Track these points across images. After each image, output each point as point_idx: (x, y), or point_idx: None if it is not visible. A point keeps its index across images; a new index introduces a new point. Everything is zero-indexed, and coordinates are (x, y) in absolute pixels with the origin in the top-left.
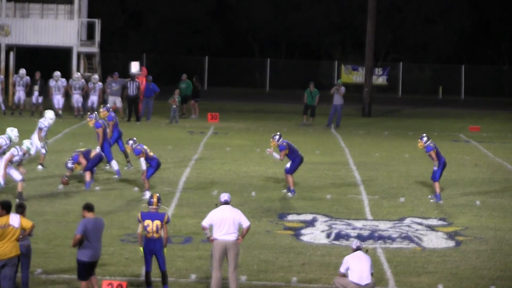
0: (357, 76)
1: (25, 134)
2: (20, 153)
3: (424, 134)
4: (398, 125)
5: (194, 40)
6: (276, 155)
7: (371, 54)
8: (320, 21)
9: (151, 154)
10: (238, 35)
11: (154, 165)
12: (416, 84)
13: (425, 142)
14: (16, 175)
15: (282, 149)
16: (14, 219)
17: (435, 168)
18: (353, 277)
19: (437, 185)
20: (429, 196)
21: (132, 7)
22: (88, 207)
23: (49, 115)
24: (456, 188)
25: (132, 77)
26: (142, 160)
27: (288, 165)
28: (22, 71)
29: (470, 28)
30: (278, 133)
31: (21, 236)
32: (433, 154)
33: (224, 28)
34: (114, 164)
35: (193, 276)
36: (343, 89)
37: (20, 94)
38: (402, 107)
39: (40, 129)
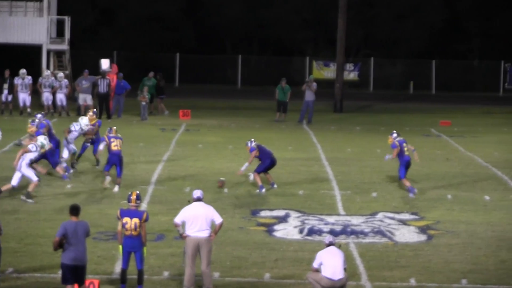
0: (328, 72)
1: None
2: (38, 149)
3: (395, 131)
4: (369, 120)
5: (166, 37)
6: (246, 164)
7: (343, 50)
8: (292, 18)
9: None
10: (209, 32)
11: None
12: (388, 80)
13: (394, 139)
14: (31, 174)
15: (251, 151)
16: None
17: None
18: (326, 272)
19: (404, 181)
20: (410, 195)
21: (103, 4)
22: (71, 210)
23: (84, 121)
24: (427, 182)
25: (103, 75)
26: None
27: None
28: None
29: (441, 24)
30: (252, 138)
31: None
32: (396, 151)
33: (195, 25)
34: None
35: (166, 273)
36: (314, 85)
37: None
38: (373, 102)
39: (70, 131)
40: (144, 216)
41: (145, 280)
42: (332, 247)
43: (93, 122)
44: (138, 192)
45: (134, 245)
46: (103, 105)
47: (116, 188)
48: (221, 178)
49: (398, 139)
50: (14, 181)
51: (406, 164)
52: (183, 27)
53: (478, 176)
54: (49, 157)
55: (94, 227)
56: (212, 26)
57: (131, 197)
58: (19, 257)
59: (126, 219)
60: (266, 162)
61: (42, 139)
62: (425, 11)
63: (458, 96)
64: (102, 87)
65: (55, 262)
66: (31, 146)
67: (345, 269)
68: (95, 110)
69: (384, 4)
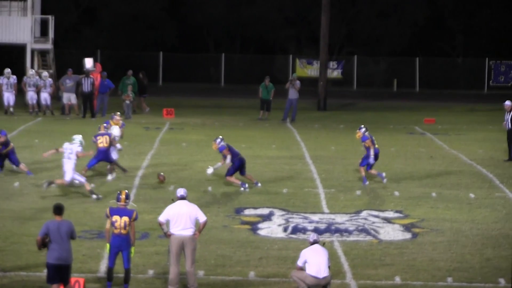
0: (312, 70)
1: None
2: (71, 147)
3: (363, 126)
4: (353, 118)
5: (149, 36)
6: (218, 164)
7: (326, 48)
8: (275, 16)
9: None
10: (192, 30)
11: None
12: (371, 77)
13: (364, 133)
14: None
15: (222, 149)
16: None
17: (370, 159)
18: (311, 270)
19: (362, 169)
20: (364, 183)
21: (86, 3)
22: (55, 209)
23: (115, 131)
24: (412, 180)
25: (86, 74)
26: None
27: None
28: None
29: (424, 21)
30: (220, 136)
31: None
32: (368, 142)
33: (178, 24)
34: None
35: (151, 272)
36: (298, 83)
37: None
38: (357, 100)
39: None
40: (134, 215)
41: (131, 278)
42: (316, 245)
43: (119, 124)
44: (127, 191)
45: (122, 244)
46: (87, 104)
47: (109, 177)
48: (161, 173)
49: (366, 134)
50: (67, 176)
51: (375, 157)
52: (165, 25)
53: (462, 174)
54: (11, 155)
55: (79, 226)
56: (194, 24)
57: (121, 196)
58: (4, 255)
59: (115, 217)
60: (235, 164)
61: (80, 138)
62: (407, 8)
63: (442, 93)
64: (86, 86)
65: (40, 261)
66: (65, 144)
67: (329, 267)
68: (118, 113)
69: (367, 2)
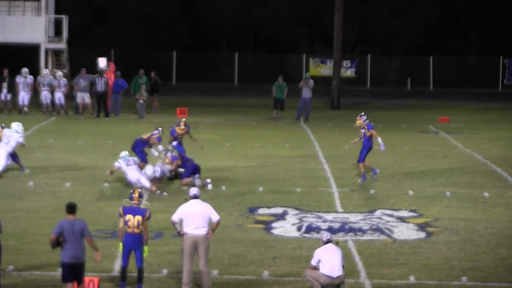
0: (325, 69)
1: None
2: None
3: (363, 113)
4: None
5: (161, 35)
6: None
7: (339, 46)
8: (287, 15)
9: None
10: (205, 30)
11: None
12: (384, 76)
13: (365, 121)
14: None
15: (173, 159)
16: None
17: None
18: (325, 269)
19: (361, 165)
20: (359, 180)
21: (99, 3)
22: (68, 208)
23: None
24: (426, 179)
25: (100, 73)
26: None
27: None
28: None
29: (437, 20)
30: (169, 147)
31: None
32: (375, 132)
33: (191, 23)
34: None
35: (165, 271)
36: (311, 82)
37: None
38: (370, 99)
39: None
40: (147, 214)
41: (144, 278)
42: (330, 245)
43: (185, 130)
44: (140, 190)
45: (134, 243)
46: (101, 104)
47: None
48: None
49: (367, 122)
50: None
51: (370, 148)
52: (178, 25)
53: (477, 172)
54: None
55: (93, 225)
56: (207, 24)
57: (134, 195)
58: (18, 255)
59: (128, 216)
60: (189, 168)
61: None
62: (420, 7)
63: (456, 92)
64: (100, 86)
65: (54, 260)
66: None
67: (343, 267)
68: (184, 119)
69: (380, 0)
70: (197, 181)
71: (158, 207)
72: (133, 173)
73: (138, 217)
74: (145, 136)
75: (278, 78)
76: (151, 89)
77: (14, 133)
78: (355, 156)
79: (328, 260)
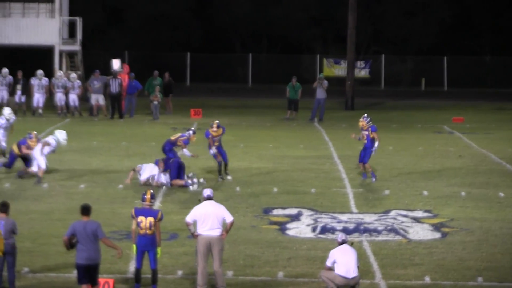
0: (339, 70)
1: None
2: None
3: (366, 115)
4: (381, 117)
5: (175, 36)
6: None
7: (353, 47)
8: (301, 15)
9: None
10: (218, 30)
11: None
12: (399, 76)
13: (368, 122)
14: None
15: (156, 163)
16: None
17: (374, 151)
18: (340, 270)
19: (362, 166)
20: (373, 179)
21: (112, 4)
22: (82, 210)
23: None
24: (440, 179)
25: (114, 75)
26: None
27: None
28: (5, 70)
29: (450, 19)
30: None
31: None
32: (377, 135)
33: (204, 24)
34: None
35: (180, 272)
36: (326, 82)
37: (3, 93)
38: (385, 99)
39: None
40: (159, 215)
41: (159, 279)
42: (345, 245)
43: (219, 132)
44: (152, 191)
45: (147, 244)
46: (115, 105)
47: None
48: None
49: (370, 124)
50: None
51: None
52: (191, 26)
53: (491, 172)
54: None
55: (108, 227)
56: (220, 24)
57: (146, 196)
58: (33, 257)
59: (141, 218)
60: (173, 167)
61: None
62: (434, 6)
63: (470, 92)
64: (114, 87)
65: (69, 262)
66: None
67: (358, 267)
68: (217, 121)
69: (393, 0)
70: (194, 187)
71: (172, 209)
72: (148, 170)
73: (150, 219)
74: (173, 137)
75: (291, 79)
76: (165, 90)
77: (55, 139)
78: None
79: (343, 261)
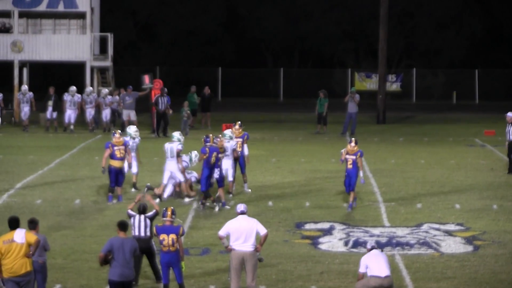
0: (371, 83)
1: (29, 149)
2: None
3: (354, 139)
4: (413, 131)
5: (206, 52)
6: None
7: (384, 60)
8: (332, 29)
9: None
10: (250, 45)
11: None
12: (430, 90)
13: (353, 147)
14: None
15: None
16: (19, 235)
17: (362, 181)
18: (373, 271)
19: (354, 193)
20: (349, 209)
21: (144, 20)
22: (120, 226)
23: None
24: (472, 192)
25: (162, 92)
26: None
27: None
28: (24, 87)
29: (482, 32)
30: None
31: (30, 252)
32: (361, 161)
33: (236, 39)
34: None
35: (212, 287)
36: (357, 96)
37: (25, 110)
38: (416, 113)
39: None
40: (181, 231)
41: None
42: (374, 251)
43: (240, 131)
44: (173, 207)
45: (172, 260)
46: (161, 122)
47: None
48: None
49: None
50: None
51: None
52: (223, 41)
53: None
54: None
55: None
56: (252, 39)
57: (167, 212)
58: (66, 273)
59: (163, 236)
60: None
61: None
62: (465, 20)
63: (501, 105)
64: (162, 105)
65: (102, 278)
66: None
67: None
68: (239, 122)
69: (424, 14)
70: (186, 200)
71: (204, 224)
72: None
73: (173, 236)
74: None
75: (319, 93)
76: (206, 105)
77: (174, 143)
78: (401, 170)
79: (375, 263)
